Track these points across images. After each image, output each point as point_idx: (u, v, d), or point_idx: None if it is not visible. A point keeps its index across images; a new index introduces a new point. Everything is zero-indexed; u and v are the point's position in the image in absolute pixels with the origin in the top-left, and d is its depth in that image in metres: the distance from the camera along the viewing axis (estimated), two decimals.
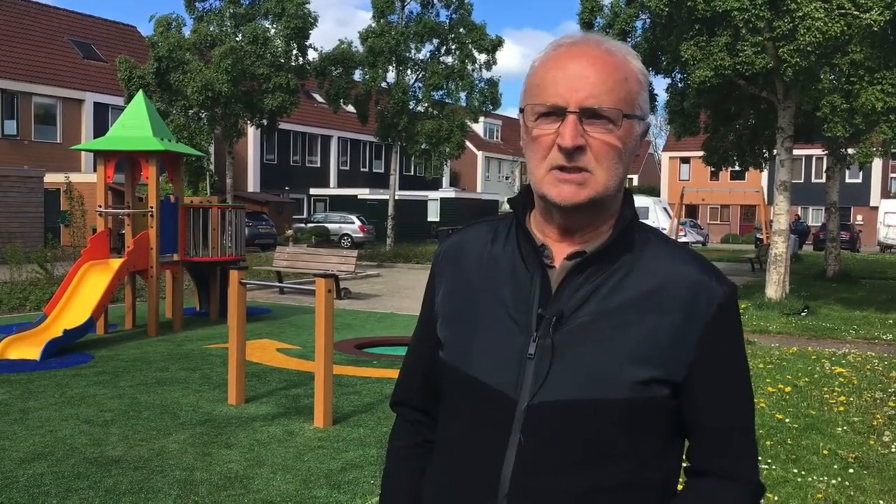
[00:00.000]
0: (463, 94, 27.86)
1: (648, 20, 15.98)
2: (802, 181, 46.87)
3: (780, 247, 15.08)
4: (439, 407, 1.38)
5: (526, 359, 1.24)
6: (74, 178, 19.02)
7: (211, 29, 25.54)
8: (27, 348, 8.86)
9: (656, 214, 38.11)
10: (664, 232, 1.65)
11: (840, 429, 6.36)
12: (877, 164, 44.99)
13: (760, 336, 11.50)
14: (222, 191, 28.94)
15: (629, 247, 1.28)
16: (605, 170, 1.23)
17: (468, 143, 48.36)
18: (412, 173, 49.56)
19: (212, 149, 29.85)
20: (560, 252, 1.29)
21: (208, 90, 23.64)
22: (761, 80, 14.90)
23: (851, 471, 5.30)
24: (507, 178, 59.35)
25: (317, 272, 8.53)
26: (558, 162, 1.22)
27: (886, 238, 40.11)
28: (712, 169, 20.94)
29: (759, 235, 34.37)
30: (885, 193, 49.61)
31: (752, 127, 18.67)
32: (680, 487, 1.32)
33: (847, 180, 43.17)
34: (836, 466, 5.39)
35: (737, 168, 21.37)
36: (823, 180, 24.51)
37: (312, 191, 43.43)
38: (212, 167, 28.40)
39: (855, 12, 12.20)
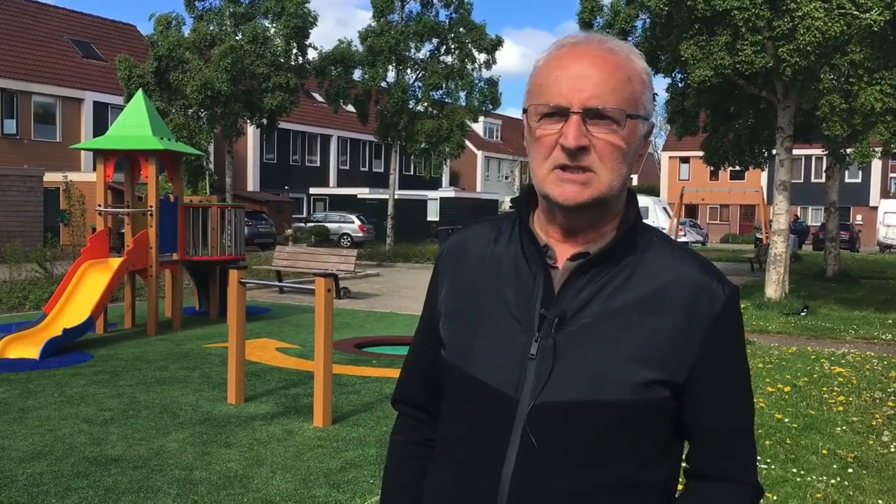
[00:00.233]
0: (463, 94, 27.89)
1: (648, 20, 15.98)
2: (802, 181, 46.86)
3: (779, 246, 15.09)
4: (440, 406, 1.38)
5: (527, 359, 1.24)
6: (74, 177, 19.02)
7: (211, 28, 25.53)
8: (26, 347, 8.85)
9: (656, 214, 38.18)
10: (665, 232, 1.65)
11: (839, 428, 6.37)
12: (876, 164, 45.00)
13: (760, 336, 11.50)
14: (222, 190, 28.93)
15: (632, 248, 1.28)
16: (608, 170, 1.22)
17: (468, 143, 48.36)
18: (412, 173, 49.56)
19: (211, 148, 29.86)
20: (563, 252, 1.29)
21: (208, 89, 23.64)
22: (761, 80, 14.91)
23: (850, 470, 5.30)
24: (506, 178, 59.32)
25: (316, 272, 8.53)
26: (561, 161, 1.22)
27: (886, 238, 40.13)
28: (712, 169, 20.94)
29: (758, 235, 34.39)
30: (885, 193, 49.62)
31: (752, 127, 18.67)
32: (679, 488, 1.32)
33: (847, 180, 43.20)
34: (835, 466, 5.39)
35: (736, 168, 21.38)
36: (823, 180, 24.52)
37: (312, 190, 43.43)
38: (211, 166, 28.39)
39: (855, 12, 12.20)
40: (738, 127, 18.84)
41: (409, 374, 1.50)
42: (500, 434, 1.23)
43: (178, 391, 7.39)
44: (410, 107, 27.70)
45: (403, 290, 17.41)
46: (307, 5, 25.85)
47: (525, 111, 1.28)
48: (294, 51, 26.29)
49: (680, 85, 17.27)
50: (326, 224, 34.46)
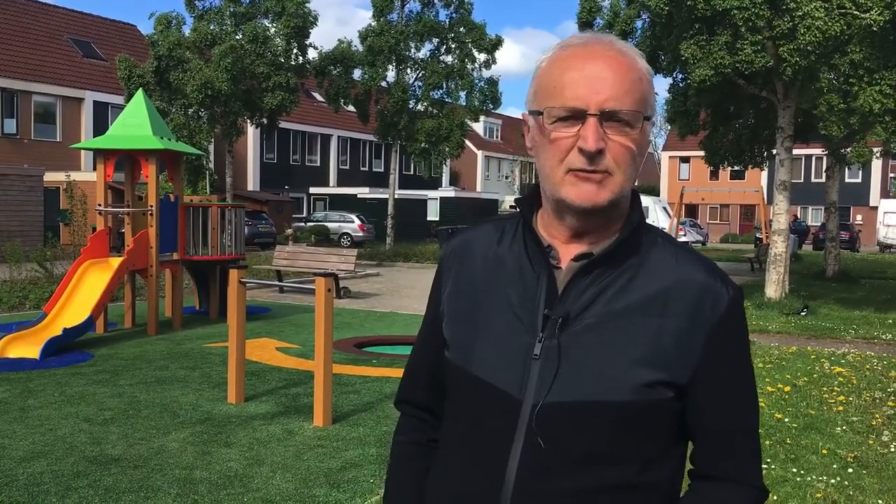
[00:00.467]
0: (463, 94, 27.88)
1: (648, 20, 15.99)
2: (802, 181, 46.85)
3: (779, 246, 15.09)
4: (444, 406, 1.38)
5: (531, 359, 1.24)
6: (74, 176, 19.02)
7: (211, 27, 25.52)
8: (27, 347, 8.85)
9: (656, 214, 38.21)
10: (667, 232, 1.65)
11: (839, 428, 6.37)
12: (876, 164, 44.95)
13: (760, 336, 11.50)
14: (222, 190, 28.94)
15: (636, 249, 1.28)
16: (622, 172, 1.22)
17: (468, 143, 48.36)
18: (412, 172, 49.55)
19: (211, 147, 29.85)
20: (566, 253, 1.29)
21: (208, 89, 23.62)
22: (761, 80, 14.91)
23: (850, 470, 5.31)
24: (506, 178, 59.32)
25: (316, 271, 8.53)
26: (578, 165, 1.21)
27: (886, 238, 40.13)
28: (712, 168, 20.94)
29: (758, 235, 34.39)
30: (885, 193, 49.59)
31: (752, 126, 18.69)
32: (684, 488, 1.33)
33: (847, 180, 43.18)
34: (835, 466, 5.40)
35: (736, 167, 21.38)
36: (823, 180, 24.51)
37: (312, 190, 43.43)
38: (211, 166, 28.39)
39: (855, 12, 12.20)
40: (738, 126, 18.85)
41: (413, 375, 1.50)
42: (503, 434, 1.23)
43: (179, 391, 7.39)
44: (410, 106, 27.70)
45: (403, 290, 17.41)
46: (307, 5, 25.84)
47: (537, 113, 1.25)
48: (294, 50, 26.27)
49: (681, 85, 17.28)
50: (326, 224, 34.47)
